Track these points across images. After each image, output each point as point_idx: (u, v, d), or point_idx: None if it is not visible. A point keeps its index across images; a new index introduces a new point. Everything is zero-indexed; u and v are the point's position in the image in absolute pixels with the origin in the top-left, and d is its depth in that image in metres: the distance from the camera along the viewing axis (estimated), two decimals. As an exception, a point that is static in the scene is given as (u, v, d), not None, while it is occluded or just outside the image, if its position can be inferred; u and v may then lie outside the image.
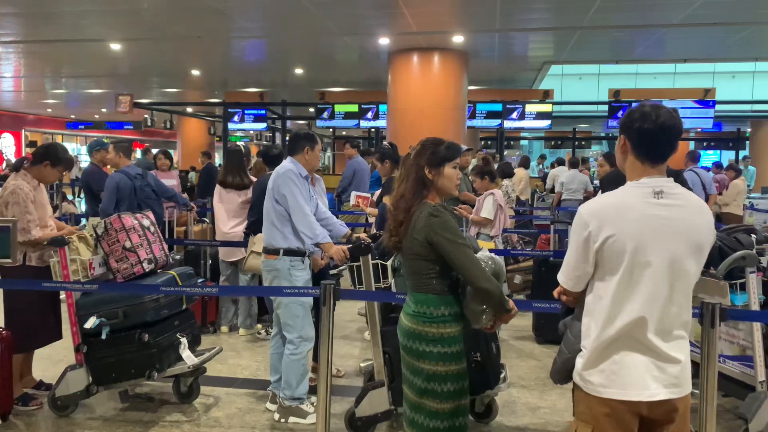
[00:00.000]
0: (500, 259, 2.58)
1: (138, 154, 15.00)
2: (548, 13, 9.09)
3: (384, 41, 10.57)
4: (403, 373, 2.48)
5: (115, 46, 11.40)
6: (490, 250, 5.04)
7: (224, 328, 5.65)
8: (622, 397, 1.83)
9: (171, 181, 6.92)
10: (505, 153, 25.30)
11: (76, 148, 34.29)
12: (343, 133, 24.04)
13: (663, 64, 15.86)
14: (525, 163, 12.54)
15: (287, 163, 3.75)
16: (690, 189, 4.21)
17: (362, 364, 4.57)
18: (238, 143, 10.28)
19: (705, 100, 13.55)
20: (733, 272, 3.28)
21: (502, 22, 9.20)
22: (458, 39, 10.29)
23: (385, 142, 8.97)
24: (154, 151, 11.23)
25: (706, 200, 8.28)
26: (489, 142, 24.03)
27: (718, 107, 13.70)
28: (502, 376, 3.56)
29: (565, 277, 1.98)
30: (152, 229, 4.11)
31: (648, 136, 1.86)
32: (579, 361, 1.92)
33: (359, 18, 9.20)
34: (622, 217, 1.83)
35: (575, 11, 8.62)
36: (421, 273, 2.38)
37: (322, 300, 2.86)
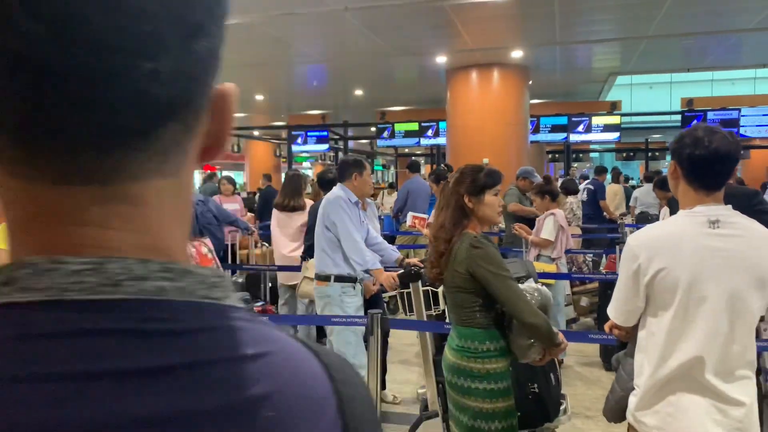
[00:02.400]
0: (547, 291, 2.45)
1: (197, 178, 15.61)
2: (611, 24, 8.81)
3: (441, 59, 10.56)
4: (450, 409, 2.39)
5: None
6: (550, 275, 4.89)
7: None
8: None
9: (233, 206, 7.11)
10: (575, 165, 24.67)
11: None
12: (406, 150, 24.19)
13: (740, 70, 15.03)
14: (616, 178, 11.82)
15: (337, 190, 3.76)
16: None
17: (420, 390, 4.49)
18: (296, 169, 10.50)
19: (789, 105, 12.70)
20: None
21: (562, 35, 8.99)
22: (517, 54, 10.14)
23: (442, 165, 8.86)
24: (222, 174, 11.67)
25: None
26: (557, 155, 23.47)
27: (804, 112, 12.82)
28: (562, 407, 3.38)
29: (615, 312, 1.86)
30: (210, 255, 4.21)
31: (701, 163, 1.73)
32: (632, 400, 1.80)
33: (416, 39, 9.24)
34: (674, 249, 1.70)
35: (640, 20, 8.31)
36: (464, 306, 2.29)
37: (370, 329, 2.81)
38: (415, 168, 8.20)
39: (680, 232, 1.73)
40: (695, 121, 12.92)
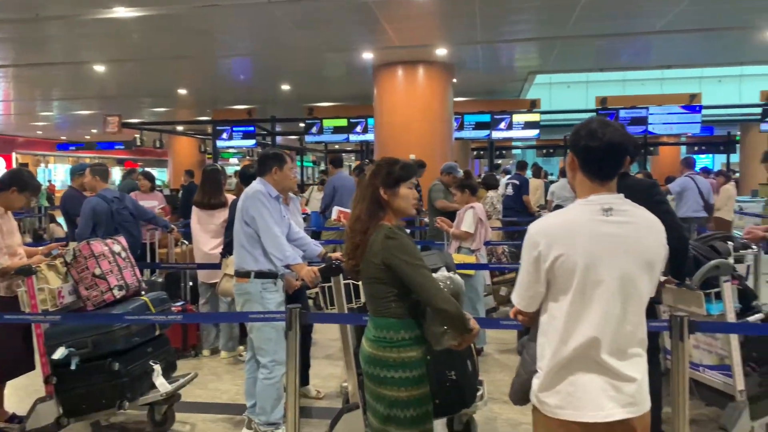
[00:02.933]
0: (459, 279, 2.52)
1: (117, 174, 15.09)
2: (529, 24, 9.12)
3: (368, 56, 10.60)
4: (367, 399, 2.42)
5: (101, 68, 11.42)
6: (469, 265, 5.01)
7: (206, 352, 5.57)
8: (578, 418, 1.79)
9: (151, 203, 6.86)
10: (500, 162, 25.38)
11: (68, 169, 34.27)
12: (336, 147, 24.15)
13: (649, 70, 15.92)
14: (537, 173, 12.10)
15: (256, 184, 3.70)
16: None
17: (343, 384, 4.50)
18: (214, 164, 10.27)
19: (691, 105, 13.58)
20: (708, 281, 3.23)
21: (484, 34, 9.23)
22: (441, 52, 10.32)
23: (366, 160, 8.92)
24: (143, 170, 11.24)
25: (707, 209, 7.93)
26: (482, 152, 24.09)
27: (706, 111, 13.74)
28: (479, 393, 3.49)
29: (518, 298, 1.94)
30: (123, 254, 4.05)
31: (595, 153, 1.83)
32: (535, 383, 1.89)
33: (342, 35, 9.23)
34: (571, 236, 1.80)
35: (556, 21, 8.65)
36: (380, 297, 2.33)
37: (288, 324, 2.80)
38: (338, 163, 8.21)
39: (576, 220, 1.81)
40: (609, 119, 13.60)
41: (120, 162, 37.09)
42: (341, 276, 3.42)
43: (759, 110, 13.50)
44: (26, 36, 9.11)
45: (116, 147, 25.40)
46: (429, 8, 7.91)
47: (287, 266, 3.62)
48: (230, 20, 8.41)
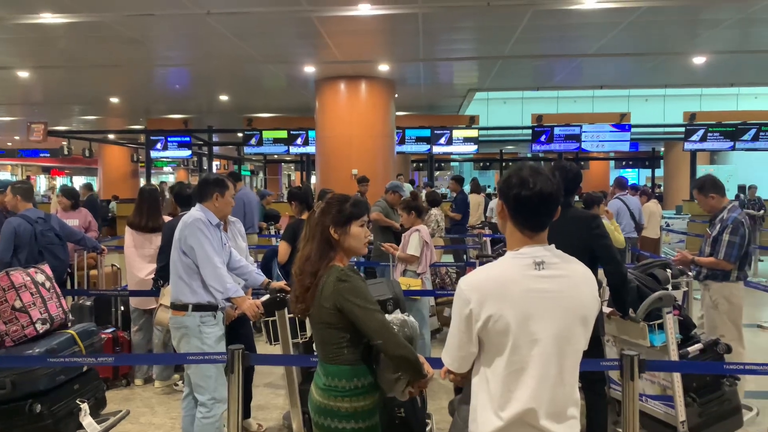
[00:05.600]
0: (414, 322, 2.45)
1: (42, 184, 14.28)
2: (470, 43, 9.26)
3: (310, 69, 10.47)
4: (316, 449, 2.30)
5: (24, 74, 10.78)
6: (416, 292, 4.97)
7: (138, 381, 5.26)
8: None
9: (73, 221, 6.41)
10: (436, 174, 25.74)
11: (-11, 178, 32.28)
12: (275, 157, 23.78)
13: (582, 90, 16.53)
14: (477, 189, 11.90)
15: (195, 212, 3.51)
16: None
17: (285, 416, 4.35)
18: (152, 184, 9.84)
19: (621, 123, 14.17)
20: (651, 312, 3.30)
21: (425, 52, 9.29)
22: (384, 68, 10.32)
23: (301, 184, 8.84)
24: (65, 182, 10.59)
25: (637, 230, 8.17)
26: (421, 164, 24.34)
27: (634, 129, 14.38)
28: (428, 429, 3.43)
29: (449, 358, 1.82)
30: (48, 284, 3.76)
31: (525, 203, 1.73)
32: None
33: (283, 47, 9.07)
34: (502, 293, 1.69)
35: (496, 42, 8.81)
36: (332, 343, 2.21)
37: (230, 367, 2.64)
38: (237, 178, 8.10)
39: (507, 276, 1.72)
40: (544, 136, 14.00)
41: (45, 170, 35.22)
42: (285, 310, 3.28)
43: (682, 129, 14.29)
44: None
45: (41, 155, 24.09)
46: (372, 25, 7.88)
47: (228, 299, 3.44)
48: (165, 30, 8.11)
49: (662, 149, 22.61)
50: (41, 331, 3.57)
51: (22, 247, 5.00)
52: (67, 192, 6.99)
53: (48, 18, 7.21)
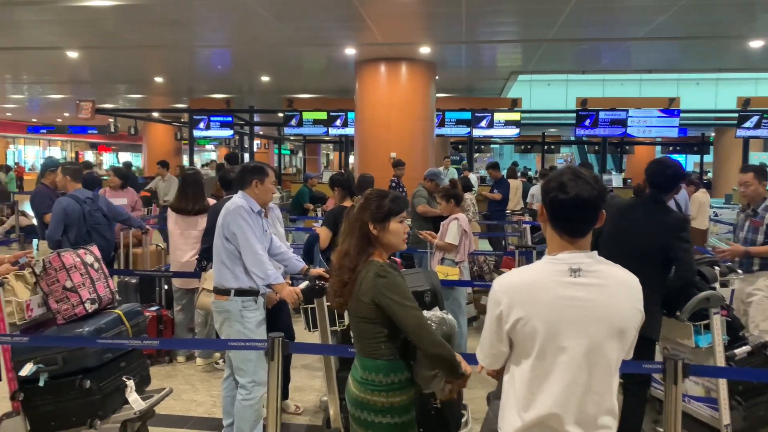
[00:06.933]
0: (452, 320, 2.44)
1: (89, 158, 14.67)
2: (514, 26, 9.06)
3: (350, 51, 10.44)
4: (353, 440, 2.33)
5: (73, 54, 11.06)
6: (454, 282, 4.95)
7: (180, 358, 5.41)
8: None
9: (121, 200, 6.59)
10: (476, 156, 25.46)
11: (39, 152, 33.42)
12: (314, 137, 23.93)
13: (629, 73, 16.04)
14: (513, 173, 11.67)
15: (238, 198, 3.56)
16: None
17: (323, 398, 4.42)
18: (194, 168, 9.99)
19: (670, 109, 13.72)
20: (697, 312, 3.21)
21: (468, 34, 9.14)
22: (425, 50, 10.20)
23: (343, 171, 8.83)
24: (118, 159, 10.88)
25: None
26: (460, 147, 24.11)
27: (682, 114, 13.90)
28: (464, 420, 3.44)
29: (482, 354, 1.83)
30: (96, 265, 3.87)
31: (562, 208, 1.69)
32: None
33: (323, 30, 9.06)
34: (532, 299, 1.67)
35: (541, 25, 8.60)
36: (369, 337, 2.23)
37: (270, 354, 2.69)
38: (233, 160, 8.10)
39: (539, 281, 1.69)
40: (589, 120, 13.66)
41: (93, 146, 36.28)
42: (324, 297, 3.32)
43: (735, 115, 13.74)
44: (-4, 20, 8.75)
45: (89, 131, 24.80)
46: (414, 7, 7.79)
47: (268, 285, 3.50)
48: (208, 12, 8.18)
49: (712, 135, 21.83)
50: (90, 311, 3.69)
51: (71, 227, 5.17)
52: (119, 172, 7.17)
53: (96, 1, 7.36)
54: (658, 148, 23.55)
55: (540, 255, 6.38)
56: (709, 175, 22.71)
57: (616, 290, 1.69)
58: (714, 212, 11.10)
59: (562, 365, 1.65)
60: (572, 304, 1.65)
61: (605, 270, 1.71)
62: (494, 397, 1.85)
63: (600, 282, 1.68)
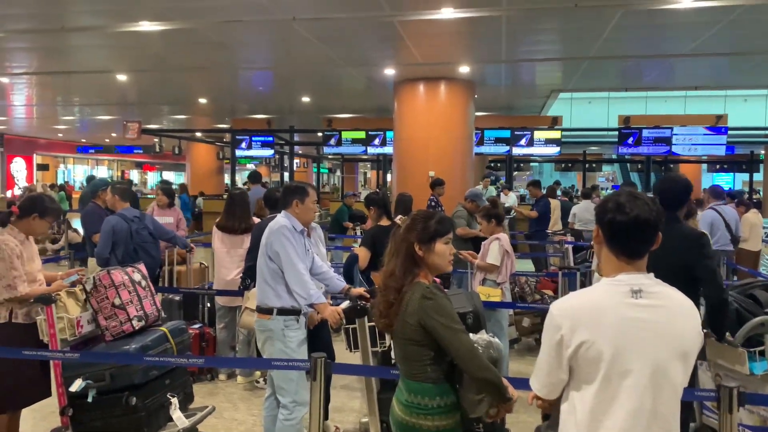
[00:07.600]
0: (499, 343, 2.41)
1: (135, 177, 15.11)
2: (555, 44, 9.00)
3: (389, 71, 10.53)
4: (397, 463, 2.30)
5: (122, 77, 11.47)
6: (495, 304, 4.88)
7: (222, 376, 5.48)
8: None
9: (167, 219, 6.75)
10: (515, 174, 25.20)
11: (87, 171, 34.63)
12: (352, 156, 24.12)
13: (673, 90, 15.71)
14: (552, 193, 11.41)
15: (281, 218, 3.61)
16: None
17: (362, 420, 4.39)
18: (239, 187, 10.18)
19: (717, 126, 13.34)
20: (751, 338, 3.09)
21: (508, 53, 9.12)
22: (464, 69, 10.22)
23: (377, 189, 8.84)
24: (161, 177, 11.18)
25: (734, 243, 7.63)
26: (492, 165, 23.86)
27: (730, 132, 13.48)
28: (506, 444, 3.36)
29: (538, 383, 1.78)
30: (144, 283, 3.97)
31: (621, 229, 1.68)
32: None
33: (363, 50, 9.17)
34: (597, 321, 1.64)
35: (582, 42, 8.53)
36: (415, 359, 2.21)
37: (312, 374, 2.70)
38: (255, 179, 8.10)
39: (603, 303, 1.66)
40: (632, 138, 13.37)
41: (138, 165, 37.40)
42: (366, 318, 3.32)
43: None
44: (51, 46, 9.16)
45: (135, 151, 25.59)
46: (454, 27, 7.82)
47: (310, 305, 3.52)
48: (252, 35, 8.38)
49: (762, 152, 21.12)
50: (137, 328, 3.78)
51: (118, 245, 5.31)
52: (167, 191, 7.33)
53: (145, 26, 7.63)
54: (704, 166, 22.90)
55: (584, 276, 6.24)
56: (760, 194, 21.92)
57: (677, 312, 1.67)
58: (766, 233, 10.67)
59: (627, 389, 1.62)
60: (637, 325, 1.63)
61: (664, 291, 1.69)
62: (549, 428, 1.80)
63: (661, 303, 1.66)
